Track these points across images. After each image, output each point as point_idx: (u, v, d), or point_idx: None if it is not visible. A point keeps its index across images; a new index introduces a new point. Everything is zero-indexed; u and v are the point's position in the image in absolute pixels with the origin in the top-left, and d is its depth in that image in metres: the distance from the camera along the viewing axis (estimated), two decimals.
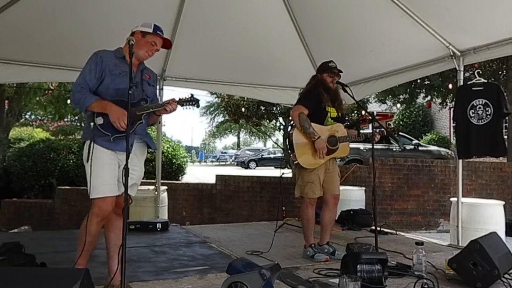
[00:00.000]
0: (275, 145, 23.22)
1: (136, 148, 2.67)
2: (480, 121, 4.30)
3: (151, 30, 2.71)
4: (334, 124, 3.68)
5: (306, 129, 3.52)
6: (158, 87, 5.71)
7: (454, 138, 16.10)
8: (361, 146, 10.25)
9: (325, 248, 3.69)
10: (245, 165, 25.65)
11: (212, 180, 8.11)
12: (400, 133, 12.95)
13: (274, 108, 11.78)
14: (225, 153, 40.73)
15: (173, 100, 2.65)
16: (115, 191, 2.56)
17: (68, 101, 10.68)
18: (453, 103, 12.39)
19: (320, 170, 3.62)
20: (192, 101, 2.65)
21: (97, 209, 2.53)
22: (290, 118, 3.80)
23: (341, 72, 3.70)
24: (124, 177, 2.26)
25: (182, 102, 2.66)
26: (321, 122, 3.62)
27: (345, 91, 3.58)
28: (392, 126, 4.72)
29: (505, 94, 4.54)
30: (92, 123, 2.54)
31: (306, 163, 3.59)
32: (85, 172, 2.60)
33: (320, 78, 3.72)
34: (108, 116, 2.52)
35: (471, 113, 4.34)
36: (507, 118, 9.42)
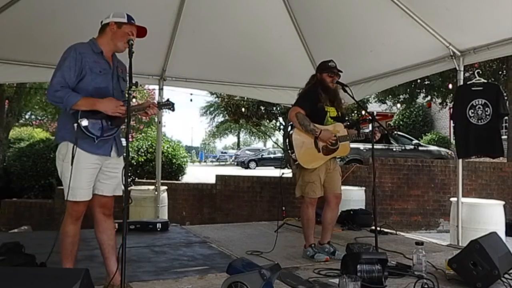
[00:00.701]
0: (275, 145, 23.24)
1: (115, 151, 2.63)
2: (480, 121, 4.30)
3: (125, 20, 2.58)
4: (334, 124, 3.68)
5: (306, 126, 3.52)
6: (158, 87, 5.77)
7: (454, 138, 16.08)
8: (361, 146, 10.25)
9: (326, 247, 3.70)
10: (245, 165, 25.66)
11: (212, 180, 8.11)
12: (400, 133, 12.98)
13: (274, 108, 11.79)
14: (225, 153, 40.73)
15: (153, 104, 2.64)
16: (88, 196, 2.52)
17: None
18: (453, 103, 12.41)
19: (321, 170, 3.62)
20: (169, 105, 2.72)
21: (71, 210, 2.51)
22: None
23: (341, 72, 3.69)
24: (124, 177, 2.27)
25: (161, 106, 2.73)
26: (321, 122, 3.62)
27: (345, 91, 3.58)
28: (392, 125, 4.69)
29: (504, 95, 4.54)
30: (75, 124, 2.41)
31: (306, 163, 3.58)
32: None
33: (319, 78, 3.71)
34: (92, 117, 2.44)
35: (470, 113, 4.34)
36: (506, 118, 9.46)
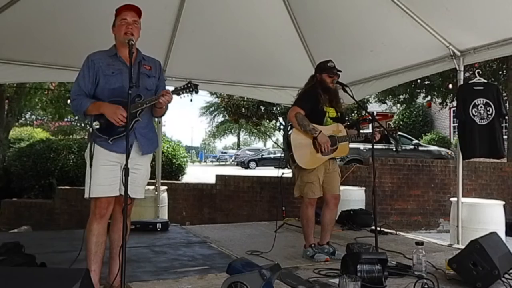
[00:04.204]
0: (275, 145, 23.24)
1: (137, 148, 2.62)
2: (482, 120, 4.29)
3: (114, 16, 2.63)
4: (333, 124, 3.67)
5: (305, 126, 3.51)
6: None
7: (454, 138, 16.12)
8: (361, 146, 10.25)
9: (325, 248, 3.69)
10: (245, 165, 25.64)
11: (212, 180, 8.11)
12: (400, 133, 12.96)
13: (274, 108, 11.79)
14: (225, 153, 40.70)
15: (166, 91, 2.59)
16: (109, 192, 2.51)
17: (68, 101, 10.69)
18: (453, 103, 12.47)
19: (320, 170, 3.61)
20: (189, 88, 2.57)
21: (93, 207, 2.54)
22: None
23: (340, 71, 3.68)
24: (124, 177, 2.26)
25: (178, 91, 2.59)
26: (320, 123, 3.60)
27: (345, 91, 3.58)
28: (392, 126, 4.63)
29: (504, 95, 4.54)
30: (91, 129, 2.52)
31: (305, 164, 3.58)
32: (85, 172, 2.59)
33: (319, 79, 3.70)
34: (103, 119, 2.50)
35: (473, 112, 4.32)
36: (506, 118, 9.45)
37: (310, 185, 3.58)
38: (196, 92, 2.61)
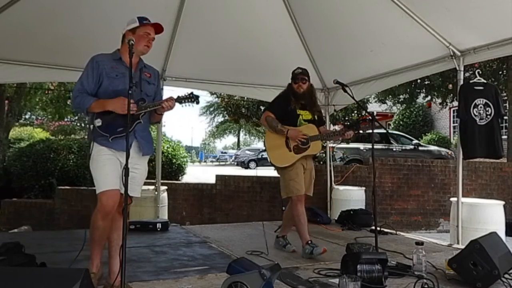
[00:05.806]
0: None
1: (137, 148, 2.70)
2: (481, 121, 4.30)
3: (138, 24, 2.70)
4: (305, 125, 3.83)
5: (275, 127, 3.75)
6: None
7: (454, 138, 16.12)
8: (361, 146, 10.24)
9: (280, 241, 3.93)
10: (245, 165, 25.62)
11: (212, 180, 8.10)
12: (400, 133, 12.97)
13: None
14: (225, 153, 40.68)
15: (170, 98, 2.68)
16: (113, 185, 2.57)
17: (68, 101, 10.72)
18: (453, 103, 12.47)
19: (298, 168, 3.75)
20: (191, 98, 2.68)
21: (100, 203, 2.58)
22: None
23: (305, 77, 3.84)
24: (124, 177, 2.27)
25: (181, 100, 2.69)
26: (294, 124, 3.79)
27: (345, 91, 3.60)
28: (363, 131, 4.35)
29: (504, 95, 4.54)
30: (91, 126, 2.60)
31: (279, 162, 3.76)
32: (85, 172, 2.63)
33: (290, 86, 3.93)
34: (105, 117, 2.57)
35: (475, 112, 4.32)
36: (506, 118, 9.45)
37: (292, 182, 3.72)
38: (197, 103, 2.73)
